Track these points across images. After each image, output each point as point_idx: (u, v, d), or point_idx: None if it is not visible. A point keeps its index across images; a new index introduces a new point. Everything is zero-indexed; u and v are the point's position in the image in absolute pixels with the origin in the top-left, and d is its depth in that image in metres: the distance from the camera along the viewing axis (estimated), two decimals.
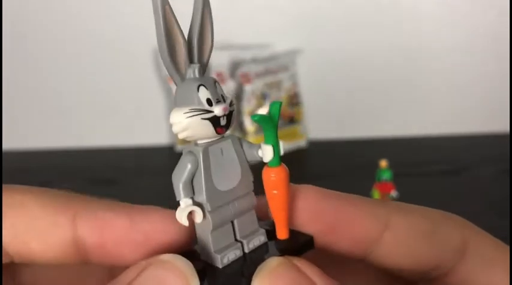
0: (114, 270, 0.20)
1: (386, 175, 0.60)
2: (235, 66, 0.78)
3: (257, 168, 0.18)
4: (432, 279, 0.19)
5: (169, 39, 0.16)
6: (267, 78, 0.79)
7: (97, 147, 0.84)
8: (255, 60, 0.79)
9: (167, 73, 0.17)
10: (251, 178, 0.18)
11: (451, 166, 0.74)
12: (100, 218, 0.17)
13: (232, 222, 0.18)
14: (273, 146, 0.17)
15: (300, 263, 0.16)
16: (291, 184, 0.18)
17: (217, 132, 0.17)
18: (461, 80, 0.83)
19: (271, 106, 0.17)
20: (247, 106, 0.79)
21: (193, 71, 0.17)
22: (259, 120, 0.17)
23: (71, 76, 0.82)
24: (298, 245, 0.17)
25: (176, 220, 0.17)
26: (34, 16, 0.78)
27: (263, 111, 0.79)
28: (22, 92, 0.82)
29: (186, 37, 0.17)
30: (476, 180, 0.70)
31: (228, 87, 0.77)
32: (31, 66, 0.81)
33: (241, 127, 0.79)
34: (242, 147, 0.18)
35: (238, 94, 0.79)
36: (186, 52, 0.17)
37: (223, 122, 0.17)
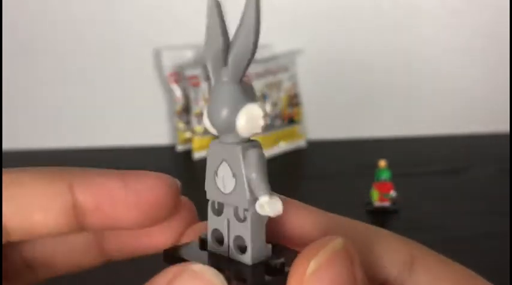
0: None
1: (385, 175, 0.60)
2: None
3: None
4: None
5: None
6: (266, 79, 0.79)
7: (97, 147, 0.84)
8: (254, 61, 0.78)
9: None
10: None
11: (451, 166, 0.74)
12: (95, 183, 0.18)
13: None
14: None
15: (354, 255, 0.15)
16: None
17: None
18: (461, 80, 0.83)
19: None
20: None
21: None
22: None
23: (71, 76, 0.82)
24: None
25: (165, 181, 0.19)
26: (34, 16, 0.78)
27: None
28: (22, 92, 0.82)
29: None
30: (476, 180, 0.70)
31: None
32: (31, 66, 0.81)
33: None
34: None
35: None
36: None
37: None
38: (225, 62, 0.17)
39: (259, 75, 0.79)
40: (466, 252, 0.35)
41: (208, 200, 0.18)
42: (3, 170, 0.18)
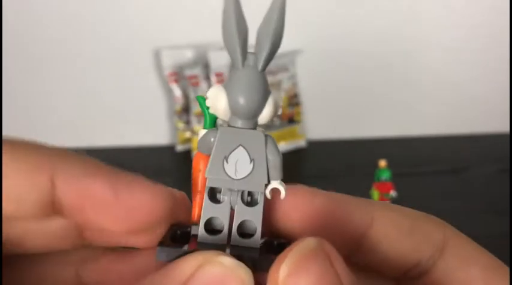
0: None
1: (385, 175, 0.60)
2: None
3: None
4: (413, 277, 0.19)
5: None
6: None
7: (97, 147, 0.84)
8: None
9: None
10: None
11: (451, 166, 0.74)
12: (81, 183, 0.16)
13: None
14: None
15: (331, 252, 0.15)
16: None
17: None
18: (461, 80, 0.83)
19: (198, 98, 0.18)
20: None
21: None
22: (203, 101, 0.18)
23: (71, 76, 0.82)
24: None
25: (160, 196, 0.17)
26: (34, 16, 0.78)
27: None
28: (22, 92, 0.82)
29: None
30: (476, 180, 0.70)
31: None
32: (31, 66, 0.81)
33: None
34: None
35: None
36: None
37: None
38: (246, 49, 0.17)
39: None
40: None
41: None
42: None
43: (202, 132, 0.18)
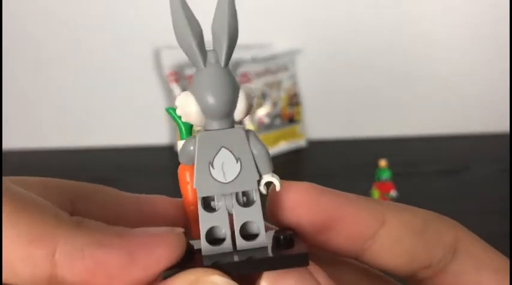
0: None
1: (385, 175, 0.60)
2: (235, 66, 0.78)
3: None
4: (424, 279, 0.19)
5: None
6: (266, 78, 0.79)
7: (97, 147, 0.84)
8: (254, 60, 0.79)
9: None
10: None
11: (451, 166, 0.74)
12: (89, 258, 0.14)
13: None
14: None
15: (313, 268, 0.16)
16: (287, 180, 0.18)
17: None
18: (461, 80, 0.83)
19: (168, 110, 0.18)
20: None
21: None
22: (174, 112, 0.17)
23: (71, 76, 0.82)
24: (292, 261, 0.16)
25: (173, 241, 0.16)
26: (35, 16, 0.78)
27: (263, 110, 0.79)
28: (22, 92, 0.82)
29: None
30: (476, 180, 0.70)
31: None
32: (31, 66, 0.81)
33: None
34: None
35: None
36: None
37: None
38: (204, 47, 0.17)
39: (259, 75, 0.79)
40: None
41: None
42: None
43: (180, 143, 0.17)
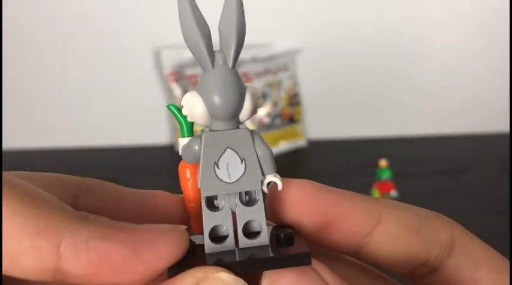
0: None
1: (386, 175, 0.60)
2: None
3: None
4: (420, 276, 0.19)
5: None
6: (267, 78, 0.79)
7: (97, 147, 0.84)
8: (254, 60, 0.79)
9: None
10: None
11: (451, 166, 0.74)
12: (94, 251, 0.15)
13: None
14: None
15: (316, 264, 0.16)
16: (286, 178, 0.18)
17: None
18: (461, 80, 0.83)
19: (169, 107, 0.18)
20: None
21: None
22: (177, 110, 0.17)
23: (71, 76, 0.82)
24: (295, 261, 0.17)
25: (176, 238, 0.16)
26: (35, 16, 0.78)
27: (263, 110, 0.79)
28: (22, 92, 0.82)
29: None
30: (476, 180, 0.70)
31: None
32: (31, 66, 0.81)
33: None
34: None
35: None
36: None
37: None
38: (212, 48, 0.17)
39: (260, 74, 0.79)
40: None
41: None
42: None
43: (183, 140, 0.17)
